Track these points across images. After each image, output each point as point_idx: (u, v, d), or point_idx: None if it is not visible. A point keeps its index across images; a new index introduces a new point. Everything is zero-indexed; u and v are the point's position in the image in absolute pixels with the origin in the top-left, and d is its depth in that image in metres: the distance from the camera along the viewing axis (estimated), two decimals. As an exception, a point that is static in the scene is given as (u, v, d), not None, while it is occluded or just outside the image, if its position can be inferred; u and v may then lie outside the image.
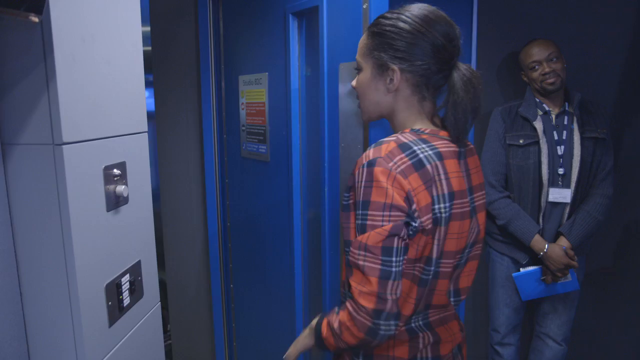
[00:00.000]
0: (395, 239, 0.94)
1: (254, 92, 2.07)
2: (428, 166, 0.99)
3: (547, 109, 2.04)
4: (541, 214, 2.02)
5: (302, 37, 1.82)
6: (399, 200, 0.95)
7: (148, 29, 2.27)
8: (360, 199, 0.97)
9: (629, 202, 2.37)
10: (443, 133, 1.08)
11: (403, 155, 0.98)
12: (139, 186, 1.24)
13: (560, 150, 2.00)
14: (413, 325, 1.09)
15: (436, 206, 0.99)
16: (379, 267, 0.94)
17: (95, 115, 1.04)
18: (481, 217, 1.14)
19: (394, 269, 0.95)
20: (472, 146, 1.16)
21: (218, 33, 2.26)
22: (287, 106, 1.87)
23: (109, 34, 1.10)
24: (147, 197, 1.30)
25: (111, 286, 1.10)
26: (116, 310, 1.12)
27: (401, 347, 1.08)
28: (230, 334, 2.51)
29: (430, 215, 0.98)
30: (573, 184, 1.98)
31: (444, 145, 1.05)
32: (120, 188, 1.12)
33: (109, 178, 1.09)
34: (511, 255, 2.12)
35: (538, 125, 2.01)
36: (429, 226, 0.99)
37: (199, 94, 2.33)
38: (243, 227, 2.33)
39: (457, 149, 1.07)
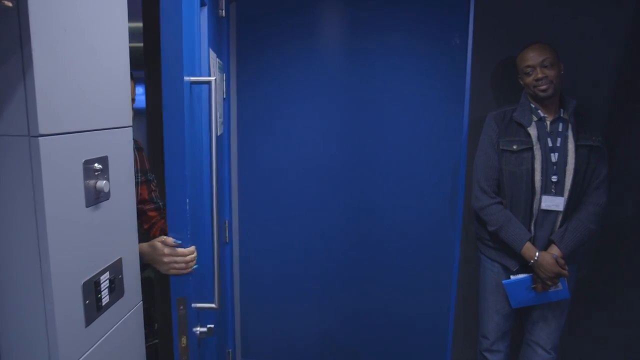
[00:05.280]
0: None
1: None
2: None
3: (542, 115, 2.02)
4: (533, 221, 2.00)
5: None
6: None
7: (140, 24, 2.23)
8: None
9: (623, 210, 2.36)
10: None
11: None
12: (121, 182, 1.20)
13: (554, 157, 1.98)
14: None
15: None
16: None
17: (76, 107, 1.01)
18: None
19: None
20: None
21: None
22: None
23: (93, 24, 1.06)
24: (130, 193, 1.26)
25: (89, 284, 1.07)
26: (94, 309, 1.09)
27: None
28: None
29: None
30: (566, 192, 1.96)
31: None
32: (101, 183, 1.08)
33: (89, 172, 1.05)
34: (502, 262, 2.10)
35: (532, 131, 1.99)
36: None
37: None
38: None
39: None
